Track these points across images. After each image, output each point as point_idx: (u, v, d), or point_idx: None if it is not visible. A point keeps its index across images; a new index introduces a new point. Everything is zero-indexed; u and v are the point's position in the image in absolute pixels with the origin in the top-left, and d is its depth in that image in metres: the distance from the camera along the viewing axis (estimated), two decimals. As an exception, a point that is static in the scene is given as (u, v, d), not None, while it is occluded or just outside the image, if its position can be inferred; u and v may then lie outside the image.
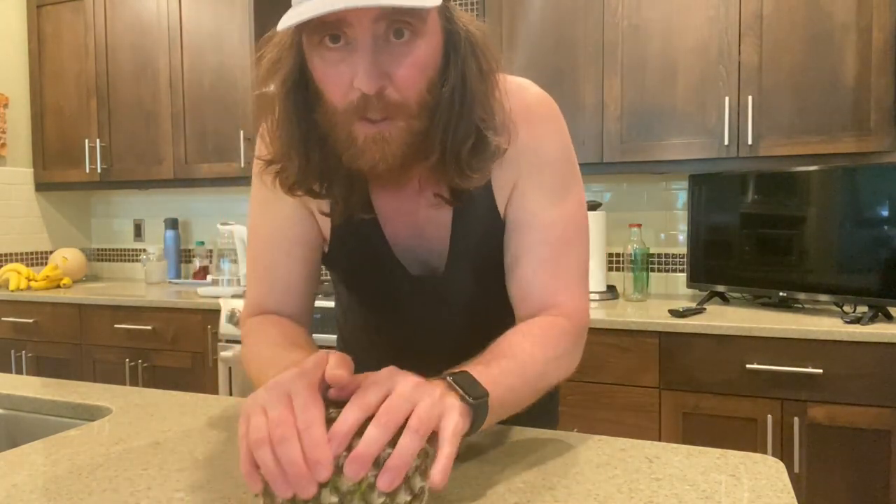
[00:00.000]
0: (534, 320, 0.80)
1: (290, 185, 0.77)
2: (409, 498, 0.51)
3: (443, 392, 0.57)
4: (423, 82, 0.68)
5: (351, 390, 0.55)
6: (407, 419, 0.52)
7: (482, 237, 0.84)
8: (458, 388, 0.59)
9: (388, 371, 0.56)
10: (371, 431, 0.50)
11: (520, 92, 0.81)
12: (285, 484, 0.50)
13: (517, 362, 0.71)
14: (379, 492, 0.50)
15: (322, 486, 0.50)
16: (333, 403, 0.55)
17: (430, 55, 0.68)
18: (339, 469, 0.50)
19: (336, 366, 0.56)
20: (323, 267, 0.93)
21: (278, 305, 0.88)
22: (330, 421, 0.52)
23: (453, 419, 0.55)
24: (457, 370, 0.63)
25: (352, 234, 0.85)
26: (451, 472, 0.53)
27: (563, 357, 0.78)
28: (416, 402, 0.53)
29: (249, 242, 0.92)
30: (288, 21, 0.61)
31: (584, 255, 0.85)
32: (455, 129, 0.71)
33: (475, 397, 0.59)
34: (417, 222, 0.84)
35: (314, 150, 0.74)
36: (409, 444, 0.51)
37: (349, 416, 0.51)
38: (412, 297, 0.89)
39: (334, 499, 0.50)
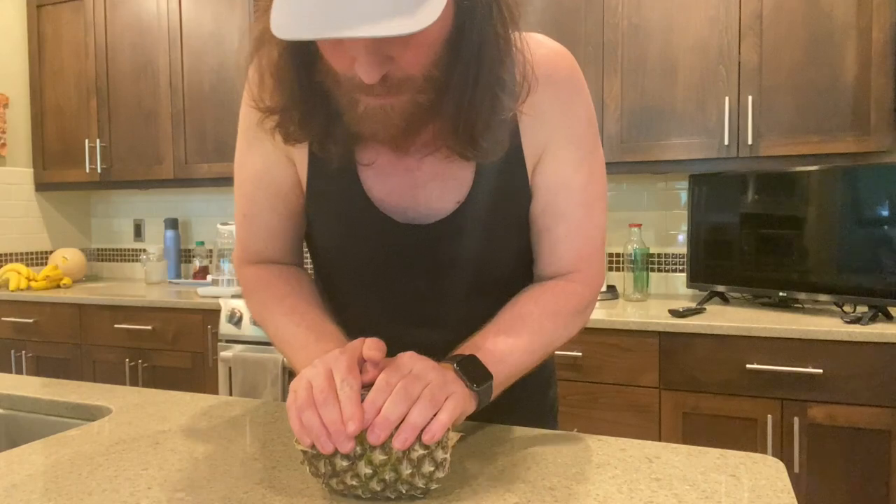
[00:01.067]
0: (550, 286, 0.83)
1: (288, 135, 0.74)
2: (432, 468, 0.61)
3: (453, 377, 0.65)
4: (429, 59, 0.64)
5: (381, 371, 0.63)
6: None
7: (502, 199, 0.80)
8: (463, 377, 0.67)
9: (410, 355, 0.65)
10: (388, 405, 0.59)
11: (545, 50, 0.78)
12: (328, 441, 0.59)
13: (525, 336, 0.76)
14: (406, 463, 0.60)
15: (358, 459, 0.60)
16: (365, 387, 0.63)
17: (438, 32, 0.63)
18: (373, 446, 0.59)
19: (371, 348, 0.65)
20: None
21: (264, 249, 0.90)
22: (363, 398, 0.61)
23: (455, 400, 0.62)
24: (465, 353, 0.71)
25: (328, 187, 0.81)
26: (441, 435, 0.61)
27: (570, 325, 0.83)
28: (429, 381, 0.62)
29: (235, 178, 0.89)
30: (277, 29, 0.56)
31: (605, 219, 0.87)
32: (468, 103, 0.67)
33: (479, 384, 0.68)
34: (416, 179, 0.79)
35: (316, 104, 0.71)
36: (420, 410, 0.59)
37: (377, 397, 0.60)
38: (401, 254, 0.83)
39: (368, 470, 0.60)
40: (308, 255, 0.96)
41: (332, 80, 0.66)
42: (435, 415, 0.60)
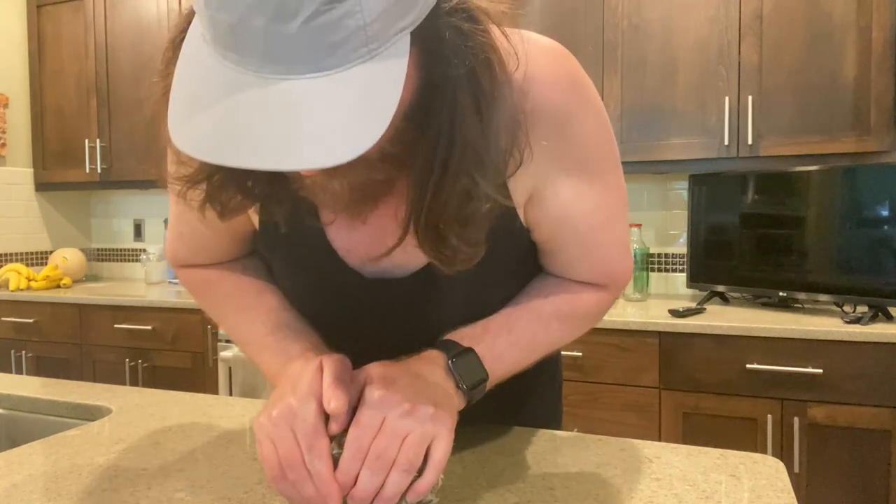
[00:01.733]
0: (567, 284, 0.74)
1: (224, 208, 0.60)
2: None
3: (434, 396, 0.58)
4: (385, 138, 0.47)
5: (343, 423, 0.57)
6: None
7: (491, 241, 0.62)
8: (455, 374, 0.62)
9: (379, 381, 0.58)
10: (364, 475, 0.54)
11: (532, 70, 0.61)
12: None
13: (529, 335, 0.70)
14: None
15: None
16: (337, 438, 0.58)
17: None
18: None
19: (331, 389, 0.57)
20: None
21: (206, 263, 0.81)
22: (334, 457, 0.56)
23: (441, 446, 0.56)
24: (463, 344, 0.65)
25: (286, 234, 0.68)
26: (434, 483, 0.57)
27: (582, 327, 0.77)
28: (407, 432, 0.55)
29: (170, 185, 0.65)
30: (178, 141, 0.45)
31: (626, 227, 0.75)
32: (434, 192, 0.54)
33: (471, 385, 0.62)
34: (386, 228, 0.65)
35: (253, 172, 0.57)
36: (396, 480, 0.54)
37: (350, 467, 0.55)
38: (374, 311, 0.72)
39: None
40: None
41: None
42: (421, 472, 0.55)
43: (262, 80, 0.44)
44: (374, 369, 0.60)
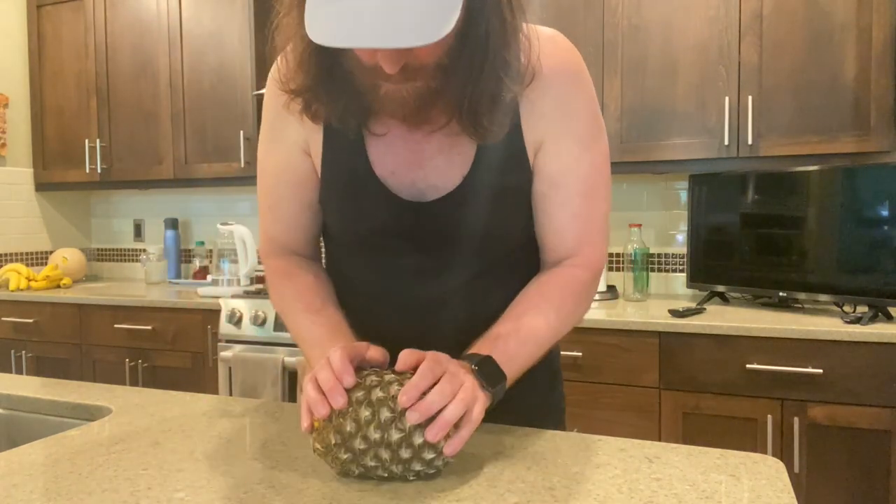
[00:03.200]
0: (552, 276, 0.88)
1: (314, 114, 0.81)
2: (432, 455, 0.66)
3: (476, 382, 0.70)
4: (442, 49, 0.70)
5: (405, 361, 0.70)
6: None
7: (505, 176, 0.84)
8: (481, 378, 0.72)
9: (445, 356, 0.71)
10: (434, 392, 0.65)
11: (551, 45, 0.83)
12: (323, 404, 0.66)
13: (533, 332, 0.81)
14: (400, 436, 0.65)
15: (367, 425, 0.65)
16: (372, 370, 0.71)
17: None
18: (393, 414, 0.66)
19: (375, 349, 0.74)
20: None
21: (287, 240, 0.97)
22: (362, 383, 0.67)
23: (478, 410, 0.68)
24: (482, 354, 0.75)
25: (339, 163, 0.87)
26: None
27: (575, 313, 0.88)
28: (463, 382, 0.68)
29: (258, 171, 0.97)
30: (314, 35, 0.62)
31: (608, 204, 0.91)
32: (473, 87, 0.73)
33: (494, 385, 0.73)
34: (423, 153, 0.84)
35: (339, 84, 0.76)
36: (455, 408, 0.66)
37: (420, 381, 0.66)
38: (405, 230, 0.86)
39: (377, 434, 0.65)
40: (325, 250, 1.01)
41: (355, 65, 0.73)
42: (458, 426, 0.66)
43: None
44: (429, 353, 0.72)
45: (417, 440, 0.65)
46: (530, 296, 0.86)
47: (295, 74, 0.78)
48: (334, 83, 0.77)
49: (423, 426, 0.65)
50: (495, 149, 0.82)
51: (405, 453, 0.65)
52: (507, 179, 0.84)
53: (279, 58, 0.83)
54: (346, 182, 0.87)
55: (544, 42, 0.81)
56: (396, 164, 0.85)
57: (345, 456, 0.66)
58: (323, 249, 1.02)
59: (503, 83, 0.74)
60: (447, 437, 0.66)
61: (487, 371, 0.73)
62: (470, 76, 0.73)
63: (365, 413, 0.65)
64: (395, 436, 0.65)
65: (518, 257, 0.91)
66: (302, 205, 0.94)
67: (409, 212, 0.85)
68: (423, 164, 0.84)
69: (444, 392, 0.66)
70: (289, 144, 0.91)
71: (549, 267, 0.90)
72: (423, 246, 0.87)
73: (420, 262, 0.88)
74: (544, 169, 0.85)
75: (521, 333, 0.80)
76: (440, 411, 0.65)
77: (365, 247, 0.90)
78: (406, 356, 0.70)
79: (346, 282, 0.96)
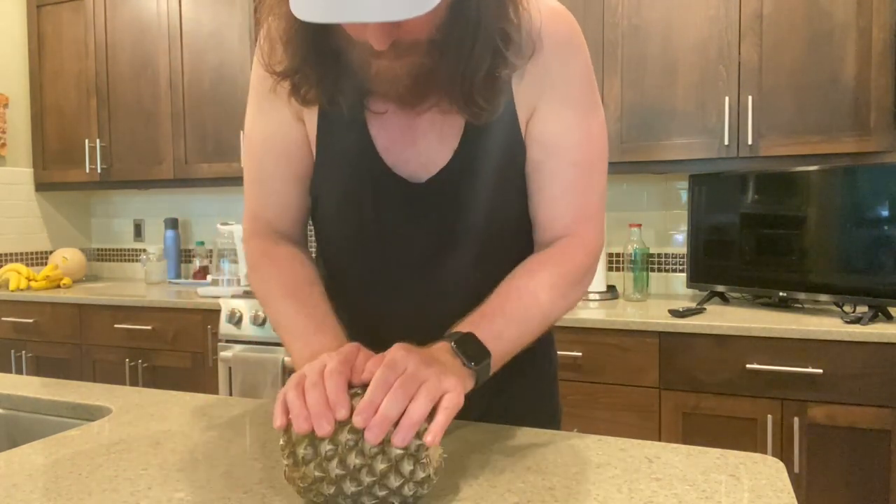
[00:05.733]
0: (546, 256, 0.83)
1: (304, 98, 0.77)
2: (423, 474, 0.60)
3: (446, 367, 0.65)
4: (433, 24, 0.67)
5: (372, 372, 0.63)
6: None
7: (496, 150, 0.81)
8: (461, 355, 0.68)
9: (402, 351, 0.64)
10: (387, 401, 0.59)
11: (544, 10, 0.79)
12: (306, 421, 0.59)
13: (522, 311, 0.77)
14: (394, 473, 0.59)
15: (347, 452, 0.59)
16: (360, 387, 0.64)
17: (442, 1, 0.65)
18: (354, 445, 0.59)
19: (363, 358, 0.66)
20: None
21: (273, 218, 0.91)
22: (354, 395, 0.61)
23: (450, 397, 0.62)
24: (463, 331, 0.71)
25: (337, 137, 0.84)
26: (441, 436, 0.60)
27: (569, 295, 0.83)
28: (425, 378, 0.62)
29: (245, 143, 0.92)
30: (298, 11, 0.59)
31: (605, 181, 0.86)
32: (466, 63, 0.71)
33: (477, 362, 0.69)
34: (417, 128, 0.81)
35: (329, 63, 0.74)
36: (418, 405, 0.59)
37: (375, 395, 0.60)
38: (402, 209, 0.83)
39: (358, 460, 0.58)
40: (314, 239, 0.96)
41: (344, 42, 0.70)
42: (432, 416, 0.60)
43: None
44: (394, 347, 0.66)
45: (419, 475, 0.59)
46: (518, 276, 0.81)
47: (281, 56, 0.74)
48: (324, 63, 0.73)
49: (409, 451, 0.59)
50: (486, 125, 0.79)
51: (406, 489, 0.60)
52: (498, 152, 0.81)
53: (261, 35, 0.79)
54: (343, 154, 0.83)
55: (537, 7, 0.78)
56: (391, 142, 0.82)
57: (330, 490, 0.59)
58: (313, 249, 0.97)
59: (500, 57, 0.71)
60: (418, 434, 0.60)
61: (468, 348, 0.69)
62: (462, 52, 0.70)
63: (355, 461, 0.58)
64: (395, 483, 0.59)
65: (517, 245, 0.87)
66: (291, 178, 0.88)
67: (407, 191, 0.82)
68: (416, 141, 0.81)
69: (396, 398, 0.59)
70: (280, 110, 0.85)
71: (542, 248, 0.86)
72: (420, 229, 0.83)
73: (417, 248, 0.84)
74: (536, 135, 0.82)
75: (508, 312, 0.76)
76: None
77: (362, 233, 0.86)
78: (373, 366, 0.64)
79: (338, 274, 0.91)
